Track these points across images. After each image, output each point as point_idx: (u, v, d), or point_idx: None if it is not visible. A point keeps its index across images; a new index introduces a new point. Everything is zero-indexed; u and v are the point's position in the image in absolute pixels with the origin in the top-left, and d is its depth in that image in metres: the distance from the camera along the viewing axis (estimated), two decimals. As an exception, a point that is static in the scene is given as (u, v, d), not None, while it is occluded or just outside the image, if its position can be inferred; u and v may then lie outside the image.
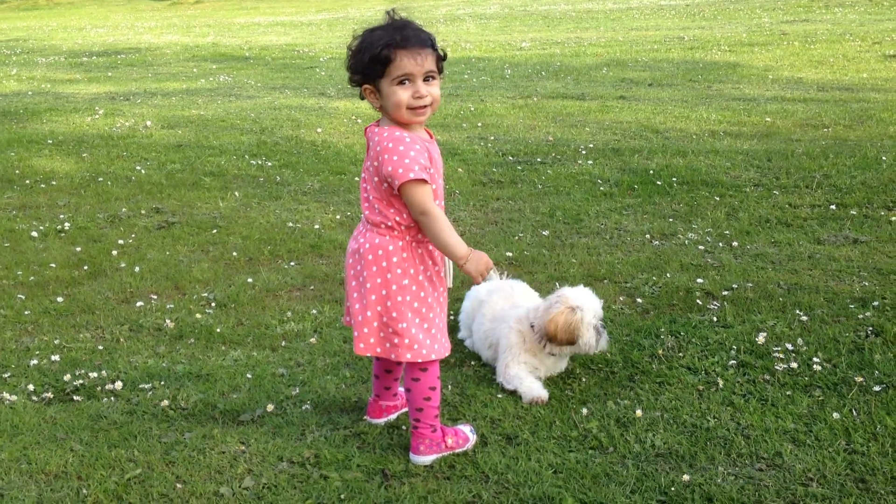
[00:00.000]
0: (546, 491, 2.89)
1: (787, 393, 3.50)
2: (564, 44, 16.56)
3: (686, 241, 5.31)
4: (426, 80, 2.82)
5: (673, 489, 2.89)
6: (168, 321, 4.41)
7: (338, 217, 6.03)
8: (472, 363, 3.88)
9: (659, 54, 14.15)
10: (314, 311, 4.49)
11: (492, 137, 8.19)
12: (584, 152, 7.47)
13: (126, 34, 24.13)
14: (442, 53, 2.88)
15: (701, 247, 5.21)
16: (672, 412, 3.39)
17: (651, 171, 6.74)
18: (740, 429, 3.26)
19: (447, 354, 3.09)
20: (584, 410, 3.41)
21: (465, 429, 3.23)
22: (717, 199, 6.08)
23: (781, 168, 6.71)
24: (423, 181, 2.81)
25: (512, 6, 32.63)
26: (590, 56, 14.41)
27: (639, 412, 3.37)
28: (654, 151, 7.41)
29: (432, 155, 2.91)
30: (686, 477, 2.94)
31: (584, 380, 3.69)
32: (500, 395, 3.57)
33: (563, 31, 20.67)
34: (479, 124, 8.89)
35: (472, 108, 9.69)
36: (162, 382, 3.79)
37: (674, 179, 6.52)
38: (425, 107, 2.83)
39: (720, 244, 5.25)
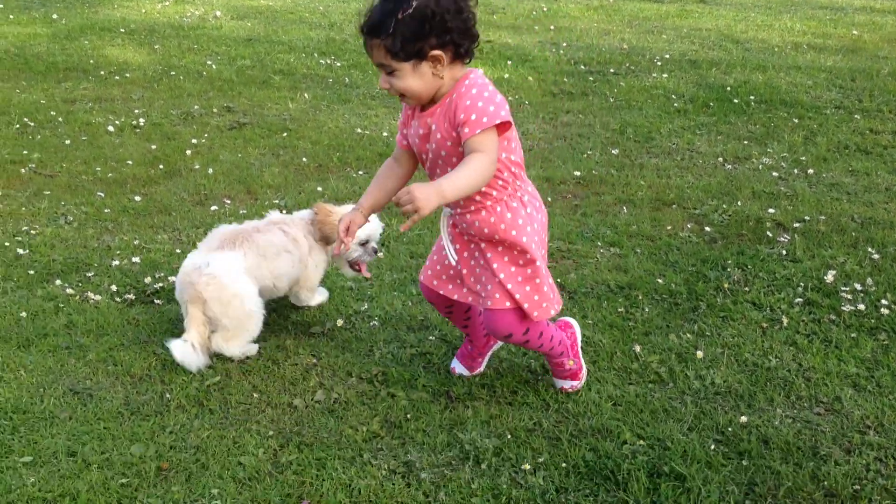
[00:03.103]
0: (605, 423, 2.98)
1: (852, 335, 3.50)
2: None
3: (760, 166, 5.23)
4: (387, 72, 2.58)
5: (730, 429, 2.95)
6: (242, 226, 4.53)
7: (407, 124, 6.04)
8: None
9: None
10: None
11: (564, 43, 8.03)
12: (659, 63, 7.30)
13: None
14: (413, 30, 2.49)
15: (775, 173, 5.13)
16: (734, 349, 3.43)
17: (728, 88, 6.57)
18: (801, 370, 3.29)
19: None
20: (646, 343, 3.47)
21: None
22: (796, 120, 5.94)
23: (865, 89, 6.50)
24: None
25: None
26: (669, -48, 13.87)
27: (700, 349, 3.42)
28: (733, 65, 7.20)
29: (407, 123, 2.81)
30: (744, 418, 3.00)
31: (646, 309, 3.74)
32: (563, 322, 3.63)
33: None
34: (552, 27, 8.70)
35: (545, 9, 9.47)
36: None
37: (751, 98, 6.36)
38: (402, 95, 2.64)
39: (795, 171, 5.16)
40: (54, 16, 8.97)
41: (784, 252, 4.18)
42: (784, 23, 8.70)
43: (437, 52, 2.51)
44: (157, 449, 2.85)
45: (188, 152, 5.53)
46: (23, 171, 5.24)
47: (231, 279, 3.39)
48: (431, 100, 2.65)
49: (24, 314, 3.67)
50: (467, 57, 2.60)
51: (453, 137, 2.63)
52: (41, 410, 3.03)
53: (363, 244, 3.69)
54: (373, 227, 3.69)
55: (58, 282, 3.96)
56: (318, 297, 3.81)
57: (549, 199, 4.85)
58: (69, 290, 3.88)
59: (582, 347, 3.40)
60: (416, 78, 2.56)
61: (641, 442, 2.88)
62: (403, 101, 2.72)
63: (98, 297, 3.86)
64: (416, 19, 2.47)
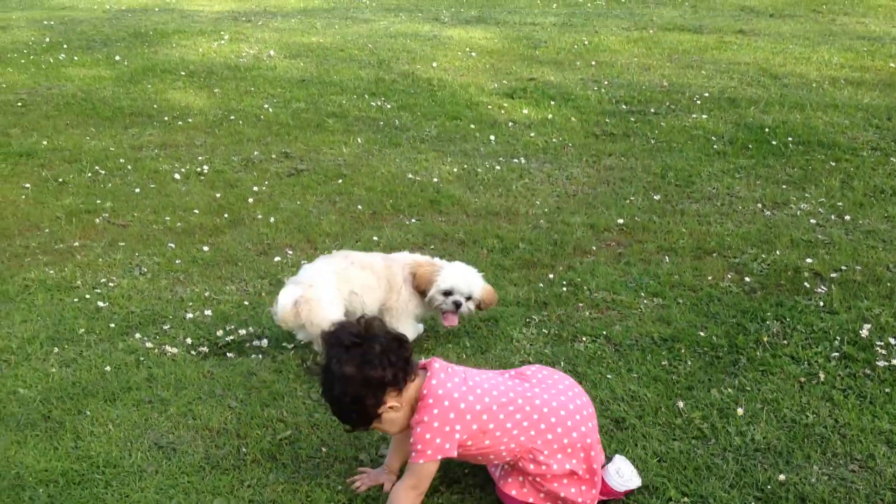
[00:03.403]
0: (651, 480, 3.20)
1: (886, 390, 3.68)
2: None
3: (798, 213, 5.41)
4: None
5: (769, 487, 3.16)
6: (304, 278, 4.81)
7: (455, 170, 6.30)
8: (584, 339, 4.16)
9: (783, -25, 13.65)
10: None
11: (605, 81, 8.25)
12: (698, 102, 7.49)
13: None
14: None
15: (812, 220, 5.30)
16: (773, 405, 3.62)
17: (766, 129, 6.75)
18: (837, 427, 3.48)
19: None
20: (689, 397, 3.68)
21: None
22: (833, 163, 6.10)
23: (901, 130, 6.66)
24: None
25: None
26: (710, -25, 14.00)
27: (741, 405, 3.61)
28: (772, 103, 7.37)
29: None
30: (782, 476, 3.20)
31: (689, 363, 3.94)
32: (609, 376, 3.85)
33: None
34: (593, 62, 8.93)
35: (586, 42, 9.70)
36: (301, 341, 4.21)
37: (790, 139, 6.54)
38: None
39: (832, 217, 5.33)
40: (116, 57, 9.40)
41: (821, 303, 4.37)
42: (822, 55, 8.84)
43: (382, 407, 2.92)
44: (237, 502, 3.12)
45: (250, 200, 5.85)
46: (97, 220, 5.59)
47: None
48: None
49: (108, 368, 3.98)
50: (409, 381, 2.96)
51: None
52: (130, 465, 3.33)
53: (446, 294, 4.03)
54: (455, 280, 4.05)
55: (137, 335, 4.27)
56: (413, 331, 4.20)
57: (594, 248, 5.08)
58: (148, 344, 4.19)
59: (628, 400, 3.62)
60: (389, 424, 2.99)
61: (686, 499, 3.09)
62: None
63: (175, 350, 4.16)
64: (345, 403, 2.91)
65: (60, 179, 6.23)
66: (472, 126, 7.18)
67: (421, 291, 4.11)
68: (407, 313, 4.14)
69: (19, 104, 7.98)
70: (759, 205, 5.54)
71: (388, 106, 7.72)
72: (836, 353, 3.95)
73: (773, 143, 6.50)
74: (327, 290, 4.01)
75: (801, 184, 5.83)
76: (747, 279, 4.66)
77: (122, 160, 6.56)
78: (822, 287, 4.54)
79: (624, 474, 3.14)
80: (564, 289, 4.58)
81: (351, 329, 2.97)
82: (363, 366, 2.88)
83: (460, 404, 2.92)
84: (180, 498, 3.14)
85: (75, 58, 9.48)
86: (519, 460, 3.01)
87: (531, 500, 3.05)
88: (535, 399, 3.02)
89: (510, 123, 7.23)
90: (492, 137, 6.91)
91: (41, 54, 9.66)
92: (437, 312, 4.17)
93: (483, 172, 6.24)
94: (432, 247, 5.16)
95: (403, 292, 4.14)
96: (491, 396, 2.98)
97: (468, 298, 4.09)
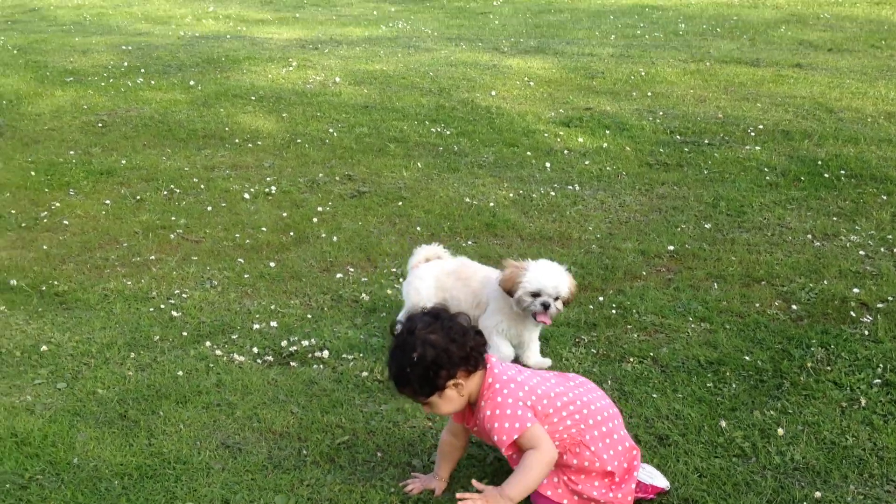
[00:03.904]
0: (691, 494, 3.34)
1: (926, 418, 3.78)
2: (744, -9, 16.15)
3: (847, 244, 5.50)
4: (423, 403, 3.20)
5: (805, 503, 3.28)
6: (364, 294, 5.06)
7: (511, 195, 6.52)
8: (632, 360, 4.32)
9: (843, 9, 13.68)
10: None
11: (660, 112, 8.40)
12: (752, 134, 7.60)
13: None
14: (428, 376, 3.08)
15: (861, 251, 5.39)
16: (813, 427, 3.73)
17: (819, 162, 6.84)
18: (875, 449, 3.58)
19: None
20: (732, 418, 3.81)
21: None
22: (885, 197, 6.17)
23: (956, 165, 6.69)
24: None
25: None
26: (769, 7, 14.10)
27: (782, 426, 3.74)
28: (826, 136, 7.46)
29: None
30: (818, 494, 3.32)
31: (734, 385, 4.08)
32: (654, 395, 4.00)
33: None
34: (649, 93, 9.09)
35: (643, 73, 9.86)
36: (361, 354, 4.44)
37: (842, 172, 6.62)
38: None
39: (882, 249, 5.41)
40: (191, 82, 9.84)
41: (866, 332, 4.46)
42: (879, 90, 8.88)
43: (452, 381, 3.10)
44: (297, 500, 3.34)
45: (315, 220, 6.13)
46: (172, 236, 5.93)
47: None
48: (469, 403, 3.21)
49: (180, 373, 4.26)
50: (479, 367, 3.16)
51: (493, 440, 3.16)
52: (199, 462, 3.57)
53: (535, 295, 4.10)
54: (542, 281, 4.09)
55: (207, 343, 4.55)
56: (535, 359, 4.31)
57: (644, 273, 5.24)
58: (217, 352, 4.46)
59: (672, 419, 3.77)
60: (445, 403, 3.15)
61: (723, 513, 3.23)
62: None
63: (242, 359, 4.42)
64: (421, 367, 3.07)
65: (138, 197, 6.60)
66: (529, 153, 7.39)
67: (508, 292, 4.18)
68: (490, 330, 4.21)
69: (100, 125, 8.43)
70: (809, 235, 5.64)
71: (448, 132, 7.98)
72: (879, 380, 4.05)
73: (826, 175, 6.59)
74: (425, 290, 4.41)
75: (851, 216, 5.92)
76: (794, 307, 4.77)
77: (195, 179, 6.92)
78: (868, 316, 4.64)
79: (648, 471, 3.35)
80: (614, 311, 4.75)
81: (441, 306, 3.31)
82: (448, 336, 3.10)
83: (524, 386, 3.15)
84: (244, 494, 3.37)
85: (152, 82, 9.95)
86: (566, 452, 3.18)
87: (565, 502, 3.22)
88: (584, 396, 3.24)
89: (566, 151, 7.43)
90: (547, 164, 7.12)
91: (120, 78, 10.16)
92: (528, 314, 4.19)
93: (538, 198, 6.44)
94: (487, 268, 5.36)
95: (490, 308, 4.29)
96: (544, 388, 3.21)
97: (556, 298, 4.13)
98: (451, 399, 3.16)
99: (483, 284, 4.38)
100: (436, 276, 4.47)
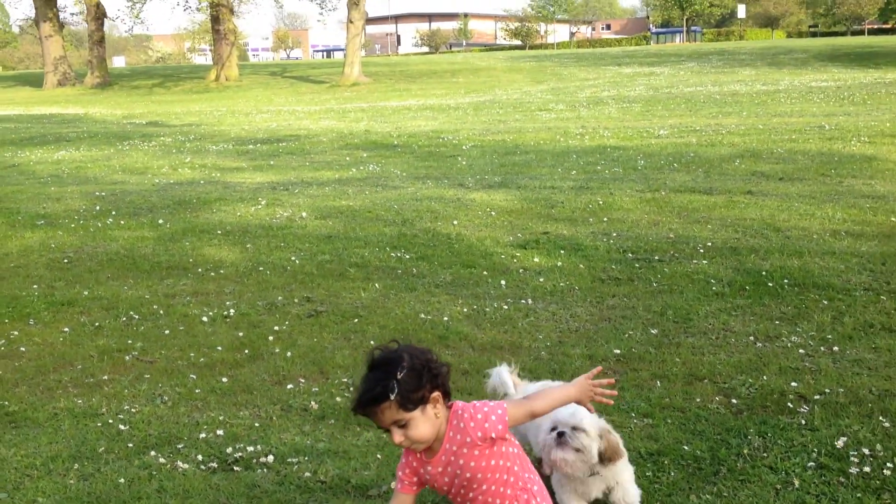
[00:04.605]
0: (622, 572, 3.34)
1: (858, 495, 3.81)
2: (702, 132, 16.88)
3: (788, 344, 5.63)
4: (400, 426, 3.04)
5: (735, 578, 3.28)
6: (313, 403, 5.12)
7: (465, 310, 6.66)
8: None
9: (796, 145, 14.27)
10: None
11: (615, 234, 8.68)
12: (701, 251, 7.86)
13: (287, 120, 26.09)
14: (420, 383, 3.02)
15: (802, 350, 5.51)
16: (747, 508, 3.77)
17: (764, 273, 7.06)
18: (809, 527, 3.60)
19: None
20: (668, 503, 3.84)
21: None
22: (826, 302, 6.35)
23: (894, 272, 6.90)
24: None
25: (657, 87, 33.11)
26: (725, 146, 14.69)
27: (715, 507, 3.77)
28: (772, 251, 7.71)
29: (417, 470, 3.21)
30: (748, 568, 3.32)
31: (672, 473, 4.11)
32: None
33: (704, 116, 20.96)
34: (605, 219, 9.40)
35: (601, 202, 10.22)
36: (306, 458, 4.46)
37: (786, 281, 6.82)
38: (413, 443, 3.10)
39: (822, 348, 5.54)
40: (160, 221, 10.12)
41: (803, 421, 4.54)
42: (826, 211, 9.23)
43: (435, 394, 3.09)
44: (230, 593, 3.31)
45: (270, 338, 6.23)
46: (127, 358, 5.99)
47: None
48: (430, 447, 3.13)
49: (122, 480, 4.27)
50: (449, 396, 3.18)
51: (485, 454, 3.11)
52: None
53: (553, 429, 3.66)
54: (561, 413, 3.59)
55: (152, 452, 4.56)
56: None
57: (591, 376, 5.32)
58: (161, 460, 4.48)
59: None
60: (426, 422, 3.04)
61: (652, 588, 3.22)
62: (411, 448, 3.15)
63: (186, 466, 4.43)
64: (412, 373, 3.04)
65: (97, 324, 6.70)
66: (485, 273, 7.59)
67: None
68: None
69: (66, 261, 8.61)
70: (752, 338, 5.78)
71: (408, 256, 8.20)
72: (813, 464, 4.10)
73: (770, 284, 6.79)
74: None
75: (793, 320, 6.07)
76: (734, 401, 4.85)
77: (155, 306, 7.03)
78: (805, 407, 4.72)
79: None
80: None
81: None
82: (428, 356, 3.10)
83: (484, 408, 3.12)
84: (177, 589, 3.34)
85: (122, 222, 10.22)
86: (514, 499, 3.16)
87: None
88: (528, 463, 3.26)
89: (521, 270, 7.63)
90: (503, 282, 7.30)
91: (90, 220, 10.43)
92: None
93: (491, 312, 6.58)
94: (437, 377, 5.44)
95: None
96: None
97: (574, 429, 3.64)
98: (429, 418, 3.06)
99: None
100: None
